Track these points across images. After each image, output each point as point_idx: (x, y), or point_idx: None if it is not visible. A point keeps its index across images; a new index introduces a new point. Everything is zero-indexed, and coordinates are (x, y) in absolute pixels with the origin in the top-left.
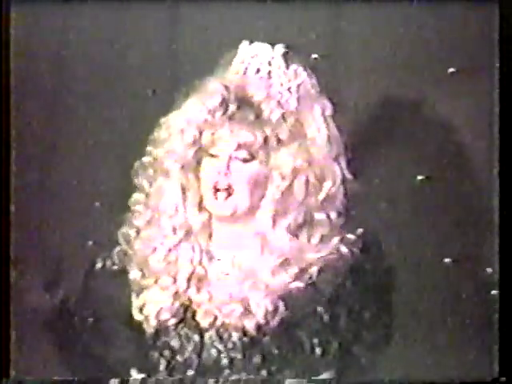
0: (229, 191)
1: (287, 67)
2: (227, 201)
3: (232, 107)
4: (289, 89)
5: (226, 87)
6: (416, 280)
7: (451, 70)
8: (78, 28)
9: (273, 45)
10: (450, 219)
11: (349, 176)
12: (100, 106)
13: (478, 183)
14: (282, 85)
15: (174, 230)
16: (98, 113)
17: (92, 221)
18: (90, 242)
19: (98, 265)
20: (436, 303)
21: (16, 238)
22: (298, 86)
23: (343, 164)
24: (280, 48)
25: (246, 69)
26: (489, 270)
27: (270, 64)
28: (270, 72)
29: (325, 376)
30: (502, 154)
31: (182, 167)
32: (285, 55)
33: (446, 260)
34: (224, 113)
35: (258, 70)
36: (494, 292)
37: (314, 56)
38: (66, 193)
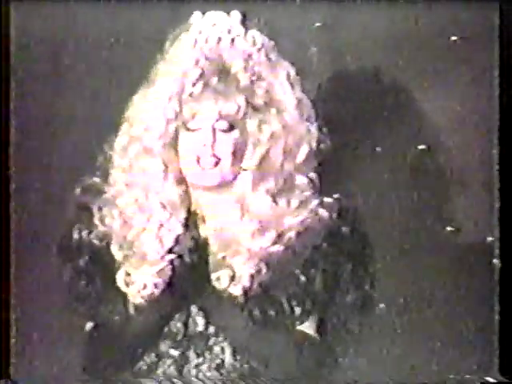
0: (216, 162)
1: (246, 33)
2: (214, 170)
3: (213, 79)
4: (250, 55)
5: (205, 57)
6: (417, 249)
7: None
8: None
9: (228, 12)
10: (451, 189)
11: (324, 138)
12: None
13: (478, 152)
14: (244, 52)
15: (163, 206)
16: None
17: None
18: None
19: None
20: (437, 272)
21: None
22: (258, 50)
23: (316, 126)
24: (237, 14)
25: (207, 39)
26: (490, 238)
27: (229, 32)
28: (233, 40)
29: (307, 324)
30: (501, 124)
31: (164, 144)
32: (242, 22)
33: (448, 228)
34: (205, 84)
35: (220, 39)
36: (495, 261)
37: (318, 24)
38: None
